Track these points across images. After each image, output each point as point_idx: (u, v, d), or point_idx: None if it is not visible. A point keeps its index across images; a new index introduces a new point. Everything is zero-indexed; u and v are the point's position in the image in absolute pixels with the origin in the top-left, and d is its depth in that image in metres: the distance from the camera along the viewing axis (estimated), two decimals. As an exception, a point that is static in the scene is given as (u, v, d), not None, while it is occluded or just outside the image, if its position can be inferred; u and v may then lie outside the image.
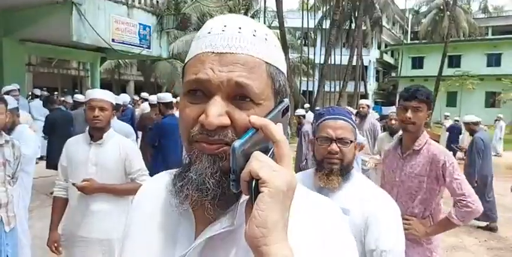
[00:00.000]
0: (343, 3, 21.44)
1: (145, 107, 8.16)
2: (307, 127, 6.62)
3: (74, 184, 2.17)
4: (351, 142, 1.41)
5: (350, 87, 26.01)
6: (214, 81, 0.53)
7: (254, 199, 0.48)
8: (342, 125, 1.41)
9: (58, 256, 2.46)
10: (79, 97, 6.79)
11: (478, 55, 30.78)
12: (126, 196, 2.31)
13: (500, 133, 13.14)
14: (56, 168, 4.80)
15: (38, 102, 8.94)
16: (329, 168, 1.40)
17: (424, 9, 39.32)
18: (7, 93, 4.62)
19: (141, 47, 9.22)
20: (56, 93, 16.20)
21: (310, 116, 6.46)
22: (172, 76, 18.78)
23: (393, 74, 38.88)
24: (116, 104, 2.65)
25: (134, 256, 0.66)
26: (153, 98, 6.35)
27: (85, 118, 2.32)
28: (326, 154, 1.40)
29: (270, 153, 0.52)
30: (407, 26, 40.30)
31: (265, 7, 20.86)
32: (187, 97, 0.57)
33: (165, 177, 0.70)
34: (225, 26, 0.57)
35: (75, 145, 2.33)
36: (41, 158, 6.07)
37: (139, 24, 9.01)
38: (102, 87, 11.57)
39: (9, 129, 2.98)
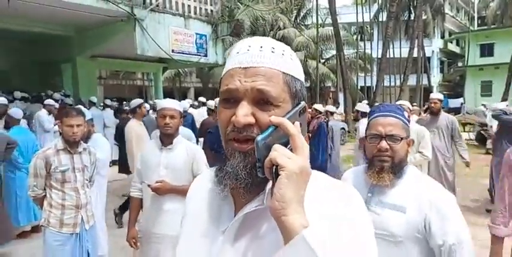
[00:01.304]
0: (400, -7, 20.52)
1: (202, 112, 8.53)
2: (331, 123, 6.42)
3: (148, 186, 2.40)
4: (402, 138, 1.39)
5: (412, 80, 24.78)
6: (241, 90, 0.68)
7: (275, 181, 0.61)
8: (392, 121, 1.40)
9: (135, 250, 2.72)
10: (146, 105, 7.29)
11: (559, 37, 27.63)
12: None
13: None
14: (127, 172, 5.22)
15: (109, 112, 9.75)
16: (380, 166, 1.39)
17: (492, -9, 36.23)
18: (139, 107, 4.83)
19: (198, 55, 9.67)
20: (124, 103, 17.46)
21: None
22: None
23: (460, 64, 36.24)
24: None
25: (188, 234, 0.83)
26: (212, 103, 6.66)
27: (156, 125, 2.55)
28: (376, 151, 1.40)
29: (289, 146, 0.64)
30: (474, 12, 37.31)
31: (317, 5, 20.64)
32: (222, 104, 0.72)
33: (208, 172, 0.88)
34: (249, 46, 0.73)
35: (149, 150, 2.57)
36: (113, 163, 6.56)
37: (196, 33, 9.46)
38: (165, 95, 12.30)
39: (86, 138, 3.35)
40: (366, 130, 1.50)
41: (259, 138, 0.63)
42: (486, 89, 30.11)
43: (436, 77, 33.48)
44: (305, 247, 0.55)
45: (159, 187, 2.37)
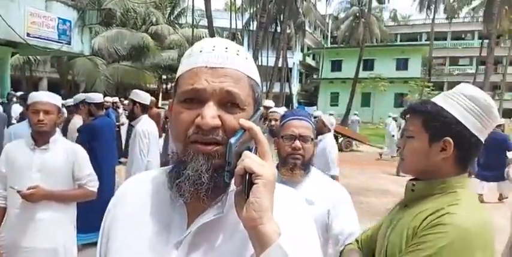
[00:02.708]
0: (269, 6, 22.07)
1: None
2: None
3: (18, 192, 2.02)
4: (311, 139, 1.59)
5: (277, 88, 26.90)
6: (209, 90, 0.65)
7: (248, 189, 0.59)
8: (304, 124, 1.59)
9: None
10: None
11: (389, 59, 33.80)
12: (74, 202, 2.23)
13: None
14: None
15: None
16: (293, 163, 1.55)
17: (342, 15, 42.11)
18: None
19: (60, 42, 8.60)
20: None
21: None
22: (93, 74, 17.66)
23: (315, 76, 41.01)
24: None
25: (125, 249, 0.71)
26: (71, 101, 5.81)
27: (29, 122, 2.18)
28: (290, 150, 1.55)
29: (253, 151, 0.64)
30: (327, 31, 42.79)
31: (193, 6, 20.63)
32: (183, 104, 0.67)
33: (151, 173, 0.80)
34: (214, 46, 0.69)
35: (16, 150, 2.18)
36: None
37: (59, 18, 8.40)
38: (12, 84, 10.53)
39: None
40: (275, 132, 1.65)
41: (232, 140, 0.61)
42: (334, 99, 34.75)
43: (295, 87, 37.09)
44: (281, 253, 0.56)
45: (33, 192, 2.02)
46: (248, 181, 0.60)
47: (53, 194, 2.10)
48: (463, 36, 41.82)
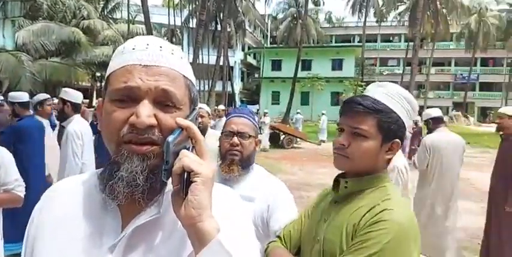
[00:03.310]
0: (209, 4, 21.90)
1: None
2: None
3: None
4: (250, 136, 1.60)
5: (218, 86, 26.80)
6: (143, 88, 0.63)
7: (186, 187, 0.59)
8: (244, 121, 1.61)
9: None
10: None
11: (325, 60, 35.28)
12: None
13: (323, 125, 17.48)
14: None
15: None
16: (230, 159, 1.57)
17: (280, 16, 43.06)
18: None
19: (-23, 35, 7.80)
20: None
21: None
22: (17, 71, 16.20)
23: (256, 75, 41.54)
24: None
25: (54, 254, 0.67)
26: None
27: None
28: (228, 146, 1.58)
29: (190, 150, 0.64)
30: (267, 31, 43.52)
31: (128, 0, 19.80)
32: (115, 103, 0.64)
33: (81, 177, 0.77)
34: (147, 44, 0.67)
35: None
36: None
37: (-25, 8, 7.61)
38: None
39: None
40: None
41: (170, 139, 0.60)
42: (276, 98, 35.51)
43: (237, 85, 37.28)
44: (221, 249, 0.57)
45: None
46: (186, 179, 0.60)
47: None
48: (391, 38, 44.94)
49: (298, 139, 15.58)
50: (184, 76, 0.68)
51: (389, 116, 1.12)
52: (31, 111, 4.13)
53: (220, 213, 0.66)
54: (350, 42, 43.60)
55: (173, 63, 0.67)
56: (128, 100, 0.64)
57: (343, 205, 1.14)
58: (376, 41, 43.04)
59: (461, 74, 40.35)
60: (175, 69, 0.67)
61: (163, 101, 0.64)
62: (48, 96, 4.34)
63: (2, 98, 5.61)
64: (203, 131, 3.37)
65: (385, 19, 38.36)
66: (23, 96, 3.95)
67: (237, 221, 0.70)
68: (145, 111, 0.61)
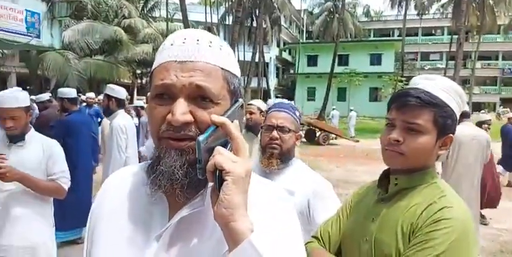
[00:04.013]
0: (244, 0, 21.97)
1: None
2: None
3: None
4: (290, 130, 1.60)
5: (253, 83, 26.91)
6: (178, 85, 0.64)
7: (219, 185, 0.59)
8: (284, 116, 1.62)
9: None
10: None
11: (363, 54, 34.41)
12: (46, 196, 2.17)
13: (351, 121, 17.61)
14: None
15: None
16: (270, 152, 1.59)
17: (316, 10, 42.40)
18: None
19: (29, 35, 8.25)
20: None
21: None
22: (64, 69, 17.06)
23: (291, 71, 41.23)
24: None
25: (110, 243, 0.71)
26: (46, 95, 5.67)
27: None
28: (268, 140, 1.59)
29: (228, 147, 0.63)
30: (303, 26, 43.02)
31: (167, -1, 20.31)
32: (155, 100, 0.66)
33: (131, 170, 0.80)
34: (185, 38, 0.67)
35: None
36: None
37: (27, 10, 8.06)
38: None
39: None
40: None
41: (201, 138, 0.59)
42: (311, 94, 35.13)
43: (272, 81, 37.20)
44: (252, 251, 0.56)
45: (6, 171, 1.90)
46: (218, 177, 0.59)
47: (25, 177, 2.00)
48: (433, 32, 43.04)
49: (334, 136, 15.34)
50: (222, 68, 0.67)
51: (445, 110, 1.06)
52: (78, 107, 4.34)
53: (260, 208, 0.66)
54: (389, 36, 42.23)
55: (209, 56, 0.66)
56: (166, 97, 0.65)
57: (392, 203, 1.09)
58: (417, 35, 41.43)
59: (510, 68, 38.07)
60: (211, 63, 0.66)
61: (199, 97, 0.64)
62: (49, 95, 4.51)
63: (50, 94, 5.92)
64: (254, 128, 3.30)
65: (426, 12, 36.77)
66: (71, 92, 4.15)
67: (280, 218, 0.69)
68: (180, 109, 0.62)
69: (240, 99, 0.71)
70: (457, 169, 3.77)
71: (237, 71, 0.72)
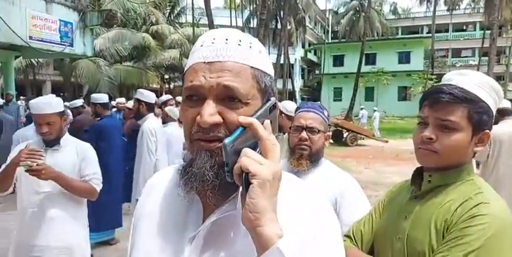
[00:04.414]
0: (269, 3, 22.01)
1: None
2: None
3: (27, 171, 1.96)
4: (319, 131, 1.59)
5: (279, 84, 26.84)
6: (206, 86, 0.63)
7: (246, 188, 0.57)
8: (313, 116, 1.61)
9: None
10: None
11: (391, 53, 33.66)
12: (79, 196, 2.24)
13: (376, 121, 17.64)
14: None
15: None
16: (299, 153, 1.58)
17: (342, 10, 41.87)
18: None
19: (63, 44, 8.61)
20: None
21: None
22: (96, 75, 17.70)
23: (317, 72, 40.88)
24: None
25: (148, 242, 0.73)
26: (78, 102, 5.83)
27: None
28: (297, 141, 1.58)
29: (258, 148, 0.61)
30: (328, 26, 42.60)
31: (192, 4, 20.63)
32: (186, 102, 0.67)
33: (169, 171, 0.82)
34: (214, 39, 0.67)
35: None
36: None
37: (60, 20, 8.41)
38: (16, 88, 10.58)
39: None
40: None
41: (227, 141, 0.59)
42: (337, 94, 34.72)
43: (298, 83, 37.00)
44: None
45: (42, 168, 1.96)
46: (245, 180, 0.57)
47: (60, 176, 2.07)
48: (464, 27, 41.56)
49: (363, 136, 15.07)
50: (251, 67, 0.66)
51: (480, 106, 1.03)
52: (110, 112, 4.49)
53: (289, 207, 0.64)
54: (418, 33, 41.12)
55: (238, 55, 0.65)
56: (195, 99, 0.65)
57: (426, 200, 1.07)
58: (447, 31, 40.12)
59: (549, 63, 36.09)
60: (240, 62, 0.65)
61: (227, 97, 0.64)
62: (171, 96, 4.72)
63: (83, 100, 6.16)
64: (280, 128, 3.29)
65: (457, 7, 35.57)
66: (103, 97, 4.31)
67: (311, 216, 0.66)
68: (208, 111, 0.62)
69: (272, 98, 0.69)
70: (497, 168, 3.63)
71: (269, 69, 0.70)
